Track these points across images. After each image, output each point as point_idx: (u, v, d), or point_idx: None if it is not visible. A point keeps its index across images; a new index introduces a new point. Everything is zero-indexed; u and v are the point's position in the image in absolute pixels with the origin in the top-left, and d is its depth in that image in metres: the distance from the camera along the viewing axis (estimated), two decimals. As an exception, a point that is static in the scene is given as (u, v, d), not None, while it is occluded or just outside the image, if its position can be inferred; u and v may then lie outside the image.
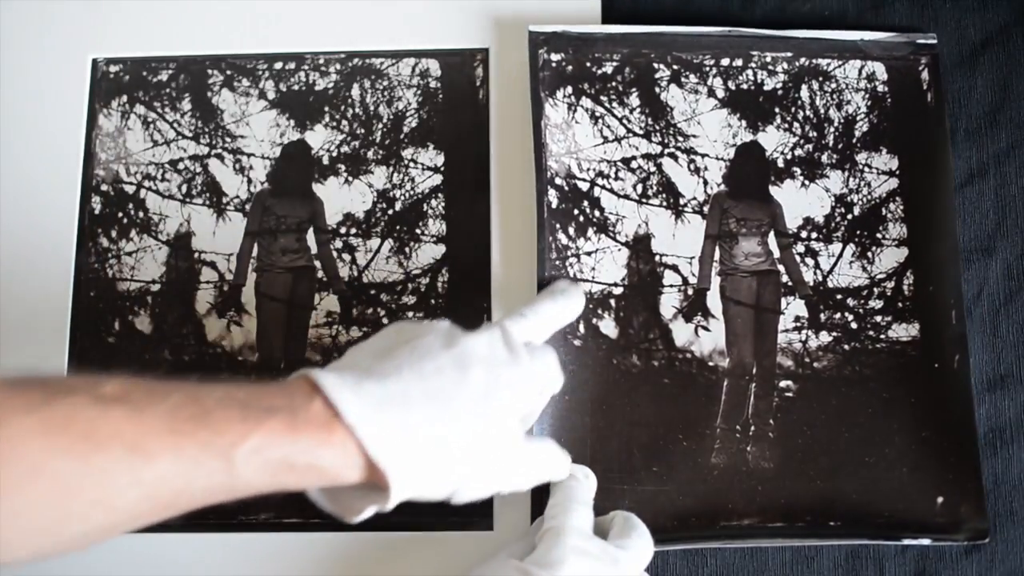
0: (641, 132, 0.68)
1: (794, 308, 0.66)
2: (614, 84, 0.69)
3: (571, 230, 0.66)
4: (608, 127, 0.68)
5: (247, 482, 0.47)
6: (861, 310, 0.66)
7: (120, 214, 0.69)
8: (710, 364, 0.65)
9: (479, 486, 0.52)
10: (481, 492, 0.52)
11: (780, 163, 0.68)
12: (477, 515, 0.63)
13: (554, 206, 0.66)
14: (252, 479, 0.46)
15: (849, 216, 0.67)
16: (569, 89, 0.68)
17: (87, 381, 0.45)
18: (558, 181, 0.67)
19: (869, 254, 0.67)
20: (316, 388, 0.48)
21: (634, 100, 0.69)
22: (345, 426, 0.47)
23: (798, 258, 0.67)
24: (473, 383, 0.50)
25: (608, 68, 0.69)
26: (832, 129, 0.68)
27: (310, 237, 0.68)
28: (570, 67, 0.69)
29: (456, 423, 0.49)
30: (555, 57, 0.69)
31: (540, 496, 0.61)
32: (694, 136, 0.68)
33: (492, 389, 0.51)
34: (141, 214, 0.69)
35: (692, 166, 0.68)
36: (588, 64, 0.69)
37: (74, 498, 0.44)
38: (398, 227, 0.68)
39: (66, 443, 0.43)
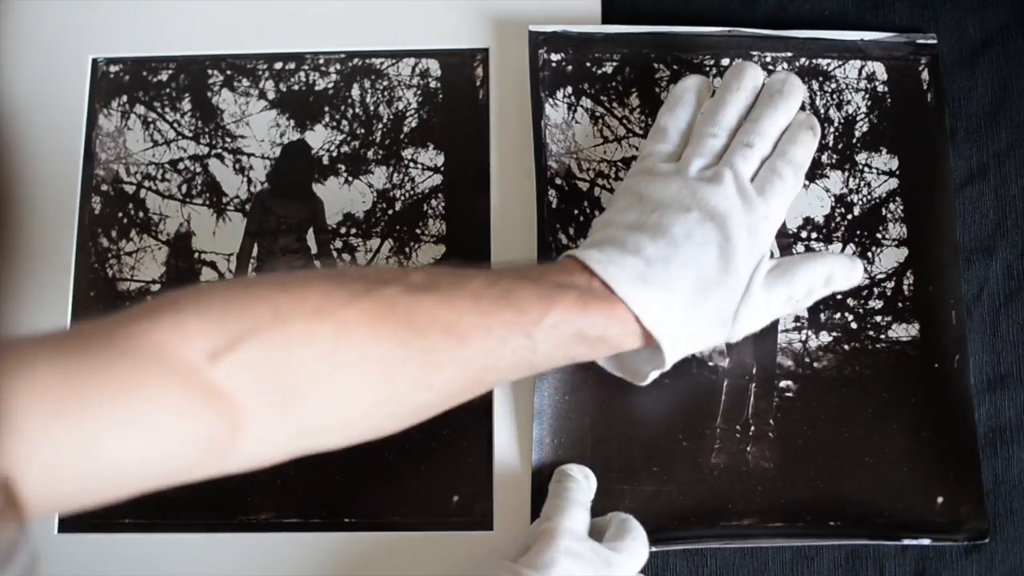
0: (641, 132, 0.68)
1: (794, 308, 0.66)
2: (614, 84, 0.69)
3: (571, 230, 0.66)
4: (608, 127, 0.68)
5: (546, 355, 0.52)
6: (861, 310, 0.66)
7: (120, 214, 0.69)
8: (710, 364, 0.65)
9: (748, 325, 0.56)
10: (754, 328, 0.57)
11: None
12: (477, 515, 0.63)
13: (554, 206, 0.67)
14: (551, 352, 0.52)
15: (849, 216, 0.67)
16: (569, 89, 0.68)
17: (397, 273, 0.51)
18: (558, 181, 0.67)
19: (869, 254, 0.67)
20: (588, 267, 0.53)
21: (634, 100, 0.69)
22: (623, 300, 0.52)
23: (798, 258, 0.67)
24: (721, 240, 0.54)
25: (608, 68, 0.69)
26: (832, 129, 0.68)
27: (310, 237, 0.68)
28: (570, 67, 0.69)
29: (711, 281, 0.54)
30: (555, 57, 0.69)
31: (540, 496, 0.61)
32: (694, 136, 0.68)
33: (736, 239, 0.54)
34: (141, 214, 0.69)
35: (692, 166, 0.68)
36: (588, 64, 0.69)
37: (399, 379, 0.48)
38: (398, 227, 0.68)
39: (389, 329, 0.48)
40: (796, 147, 0.59)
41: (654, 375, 0.58)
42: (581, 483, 0.60)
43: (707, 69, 0.69)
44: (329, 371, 0.47)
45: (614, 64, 0.69)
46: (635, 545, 0.56)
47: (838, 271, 0.58)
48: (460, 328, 0.49)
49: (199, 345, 0.45)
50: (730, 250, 0.54)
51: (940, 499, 0.62)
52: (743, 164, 0.57)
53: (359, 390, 0.48)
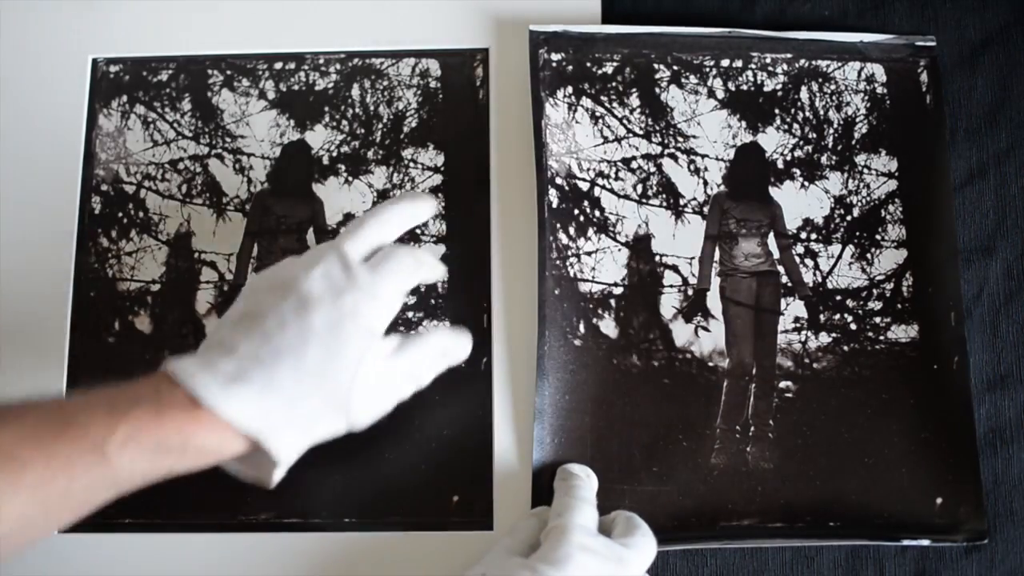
0: (641, 132, 0.68)
1: (794, 309, 0.66)
2: (614, 84, 0.69)
3: (571, 230, 0.66)
4: (608, 127, 0.68)
5: (129, 471, 0.48)
6: (860, 311, 0.66)
7: (120, 214, 0.69)
8: (710, 364, 0.65)
9: (369, 409, 0.54)
10: (376, 411, 0.54)
11: (780, 164, 0.68)
12: (477, 515, 0.63)
13: (554, 206, 0.67)
14: (132, 468, 0.48)
15: (848, 217, 0.67)
16: (569, 89, 0.68)
17: None
18: (558, 181, 0.67)
19: (868, 255, 0.67)
20: (173, 377, 0.50)
21: (634, 100, 0.69)
22: (207, 407, 0.49)
23: (798, 259, 0.67)
24: (317, 326, 0.51)
25: (608, 68, 0.69)
26: (832, 131, 0.69)
27: (310, 237, 0.68)
28: (570, 67, 0.69)
29: (312, 370, 0.51)
30: (555, 57, 0.69)
31: (540, 496, 0.61)
32: (694, 137, 0.68)
33: (337, 323, 0.52)
34: (141, 214, 0.69)
35: (692, 167, 0.68)
36: (588, 64, 0.69)
37: None
38: (398, 227, 0.68)
39: None
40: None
41: (279, 474, 0.52)
42: (585, 481, 0.60)
43: (707, 70, 0.69)
44: None
45: (614, 64, 0.69)
46: (644, 541, 0.56)
47: (450, 344, 0.58)
48: (18, 453, 0.46)
49: None
50: (329, 337, 0.51)
51: (939, 500, 0.62)
52: (351, 244, 0.55)
53: None
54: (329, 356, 0.51)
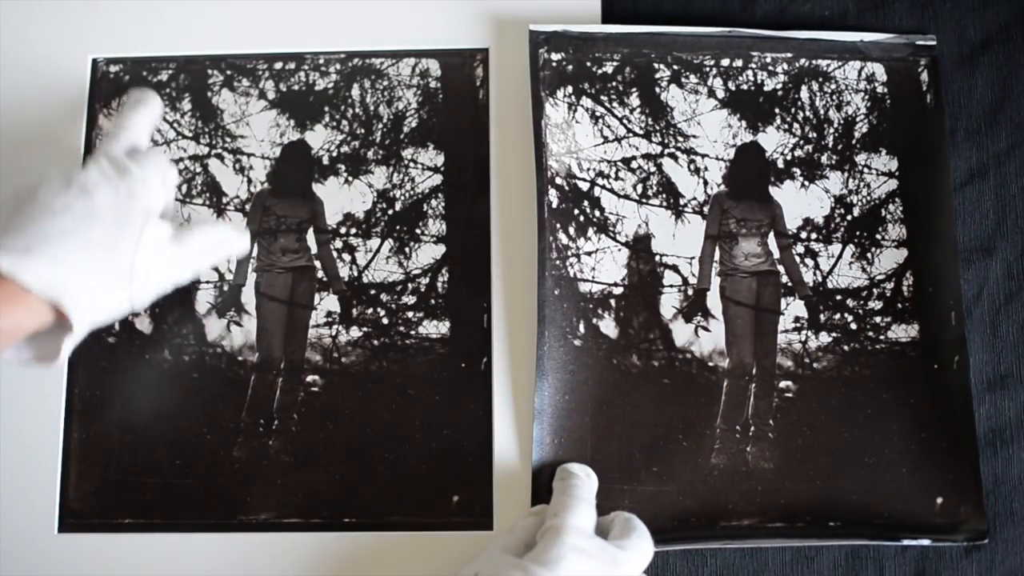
0: (641, 132, 0.68)
1: (794, 309, 0.66)
2: (614, 84, 0.69)
3: (571, 230, 0.66)
4: (608, 127, 0.68)
5: None
6: (860, 311, 0.66)
7: (120, 214, 0.69)
8: (710, 364, 0.65)
9: (149, 286, 0.59)
10: (155, 290, 0.60)
11: (780, 164, 0.68)
12: (477, 515, 0.63)
13: (554, 206, 0.67)
14: None
15: (849, 217, 0.67)
16: (569, 89, 0.68)
17: None
18: (558, 181, 0.67)
19: (868, 255, 0.67)
20: None
21: (634, 100, 0.69)
22: (4, 278, 0.53)
23: (798, 259, 0.67)
24: (101, 205, 0.57)
25: (608, 68, 0.69)
26: (832, 130, 0.69)
27: (310, 237, 0.68)
28: (570, 67, 0.69)
29: (97, 243, 0.56)
30: (555, 57, 0.69)
31: (540, 496, 0.61)
32: (694, 136, 0.68)
33: (119, 204, 0.58)
34: (141, 214, 0.69)
35: (692, 166, 0.68)
36: (588, 64, 0.69)
37: None
38: (398, 227, 0.68)
39: None
40: None
41: (66, 348, 0.57)
42: (584, 481, 0.60)
43: (707, 69, 0.69)
44: None
45: (614, 64, 0.69)
46: (641, 543, 0.56)
47: (228, 236, 0.63)
48: None
49: None
50: (111, 213, 0.57)
51: (939, 500, 0.62)
52: (114, 146, 0.61)
53: None
54: (113, 230, 0.57)
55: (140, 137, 0.63)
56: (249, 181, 0.69)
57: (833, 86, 0.69)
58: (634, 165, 0.68)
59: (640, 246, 0.67)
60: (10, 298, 0.53)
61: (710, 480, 0.63)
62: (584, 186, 0.67)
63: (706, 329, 0.65)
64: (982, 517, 0.62)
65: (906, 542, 0.61)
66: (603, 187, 0.67)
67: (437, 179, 0.69)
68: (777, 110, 0.69)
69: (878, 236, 0.67)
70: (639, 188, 0.67)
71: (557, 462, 0.62)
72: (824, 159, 0.68)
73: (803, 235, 0.67)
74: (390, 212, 0.68)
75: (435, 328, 0.66)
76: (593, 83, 0.69)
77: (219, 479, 0.64)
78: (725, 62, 0.69)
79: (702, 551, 0.62)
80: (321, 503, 0.64)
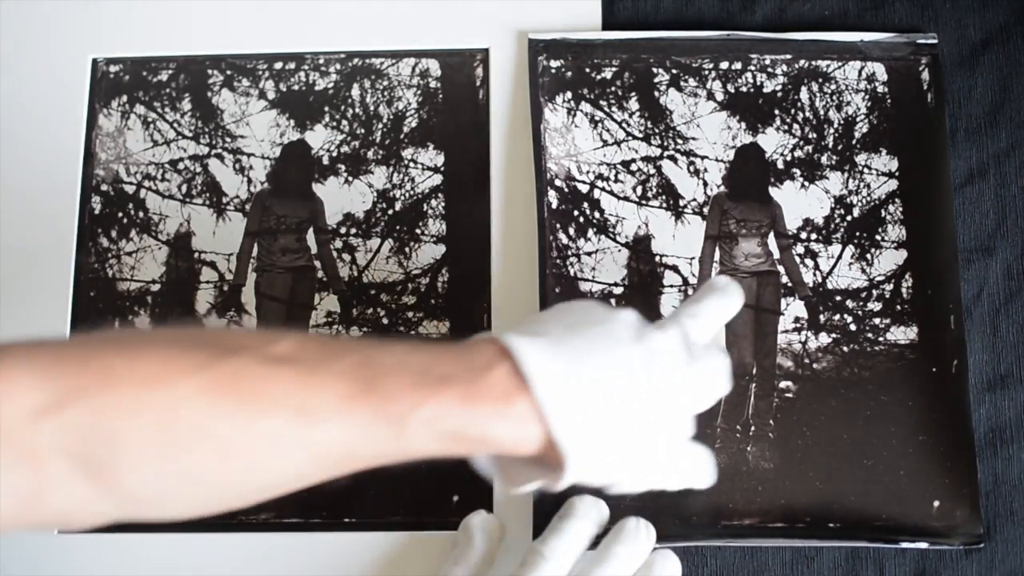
0: (640, 135, 0.68)
1: (794, 309, 0.66)
2: (613, 89, 0.69)
3: (571, 230, 0.66)
4: (607, 131, 0.68)
5: (415, 450, 0.45)
6: (860, 312, 0.66)
7: (120, 214, 0.69)
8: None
9: (639, 481, 0.50)
10: (638, 487, 0.51)
11: (780, 164, 0.68)
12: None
13: (554, 207, 0.67)
14: (420, 447, 0.45)
15: (849, 218, 0.67)
16: (568, 94, 0.68)
17: (259, 338, 0.45)
18: (558, 183, 0.67)
19: (868, 256, 0.67)
20: (503, 353, 0.46)
21: (633, 104, 0.69)
22: (530, 400, 0.45)
23: (798, 259, 0.67)
24: (658, 381, 0.48)
25: (607, 73, 0.69)
26: (832, 130, 0.68)
27: (310, 237, 0.68)
28: (569, 73, 0.69)
29: (637, 418, 0.47)
30: (554, 63, 0.69)
31: (539, 496, 0.61)
32: (693, 139, 0.68)
33: (673, 389, 0.48)
34: (141, 214, 0.69)
35: (692, 168, 0.68)
36: (587, 70, 0.69)
37: (237, 460, 0.43)
38: (398, 227, 0.68)
39: (231, 406, 0.42)
40: None
41: (535, 486, 0.49)
42: (586, 525, 0.58)
43: (706, 72, 0.69)
44: (159, 445, 0.42)
45: (613, 69, 0.69)
46: None
47: (705, 478, 0.54)
48: (315, 409, 0.43)
49: (24, 400, 0.41)
50: (667, 397, 0.49)
51: (936, 503, 0.62)
52: (692, 326, 0.52)
53: (191, 468, 0.43)
54: (658, 416, 0.48)
55: (710, 332, 0.53)
56: (249, 181, 0.69)
57: (833, 86, 0.69)
58: (633, 168, 0.68)
59: (640, 246, 0.67)
60: (519, 423, 0.45)
61: (710, 480, 0.63)
62: (584, 188, 0.67)
63: (706, 329, 0.65)
64: (978, 521, 0.62)
65: (904, 544, 0.61)
66: (603, 189, 0.67)
67: (437, 179, 0.69)
68: (777, 111, 0.69)
69: (878, 237, 0.67)
70: (639, 190, 0.67)
71: (557, 463, 0.62)
72: (824, 159, 0.68)
73: (803, 235, 0.67)
74: (390, 212, 0.68)
75: (435, 328, 0.66)
76: (592, 88, 0.69)
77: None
78: (724, 65, 0.69)
79: (702, 551, 0.62)
80: (321, 503, 0.64)
